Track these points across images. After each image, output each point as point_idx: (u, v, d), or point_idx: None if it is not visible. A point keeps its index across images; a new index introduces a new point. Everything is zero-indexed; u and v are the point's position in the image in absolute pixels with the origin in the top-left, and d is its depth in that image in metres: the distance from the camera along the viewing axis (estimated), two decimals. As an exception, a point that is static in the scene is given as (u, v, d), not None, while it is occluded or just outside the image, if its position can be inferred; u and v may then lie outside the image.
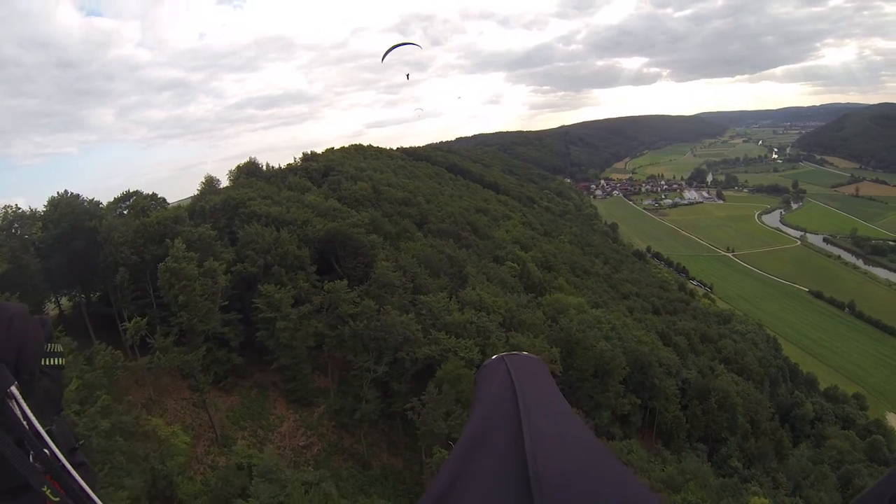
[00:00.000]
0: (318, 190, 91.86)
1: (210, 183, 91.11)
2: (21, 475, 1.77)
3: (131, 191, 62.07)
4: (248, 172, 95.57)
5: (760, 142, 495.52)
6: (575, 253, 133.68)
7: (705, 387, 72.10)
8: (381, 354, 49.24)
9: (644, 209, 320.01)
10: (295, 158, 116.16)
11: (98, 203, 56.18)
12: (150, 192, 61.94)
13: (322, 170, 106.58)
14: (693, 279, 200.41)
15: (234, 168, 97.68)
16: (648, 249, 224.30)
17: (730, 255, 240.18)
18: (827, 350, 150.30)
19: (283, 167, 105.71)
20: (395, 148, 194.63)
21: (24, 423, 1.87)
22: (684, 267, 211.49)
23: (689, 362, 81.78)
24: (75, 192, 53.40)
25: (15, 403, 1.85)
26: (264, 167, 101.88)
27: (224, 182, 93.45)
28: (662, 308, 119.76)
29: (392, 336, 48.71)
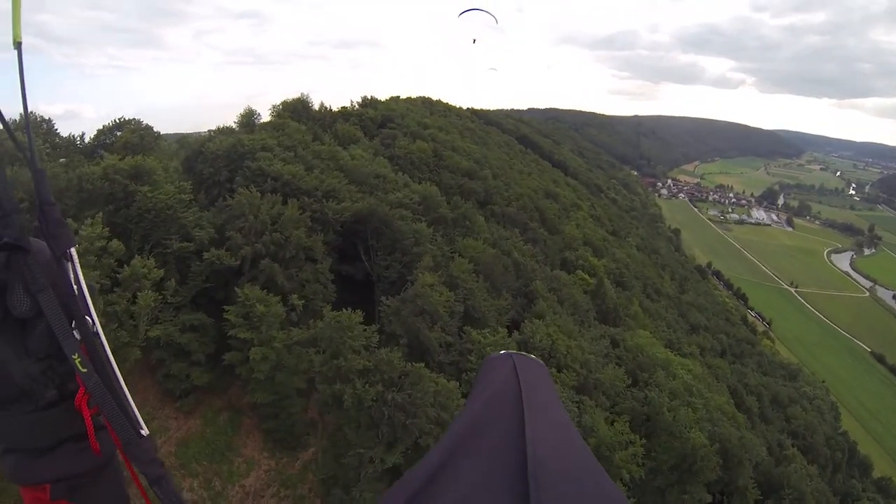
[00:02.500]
0: (367, 143, 74.84)
1: (249, 117, 75.56)
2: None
3: (126, 118, 51.99)
4: (294, 110, 78.57)
5: (839, 173, 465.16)
6: (645, 264, 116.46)
7: (778, 478, 57.54)
8: (395, 441, 31.22)
9: (709, 219, 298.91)
10: (352, 102, 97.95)
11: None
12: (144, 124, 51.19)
13: (379, 119, 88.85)
14: (752, 309, 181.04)
15: (278, 103, 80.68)
16: (709, 265, 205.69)
17: (792, 290, 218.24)
18: (882, 427, 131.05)
19: (333, 110, 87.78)
20: (465, 108, 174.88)
21: (75, 286, 1.87)
22: (745, 293, 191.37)
23: (759, 430, 67.72)
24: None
25: (70, 266, 1.87)
26: (317, 107, 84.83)
27: (266, 117, 76.87)
28: (729, 348, 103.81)
29: (418, 418, 30.96)
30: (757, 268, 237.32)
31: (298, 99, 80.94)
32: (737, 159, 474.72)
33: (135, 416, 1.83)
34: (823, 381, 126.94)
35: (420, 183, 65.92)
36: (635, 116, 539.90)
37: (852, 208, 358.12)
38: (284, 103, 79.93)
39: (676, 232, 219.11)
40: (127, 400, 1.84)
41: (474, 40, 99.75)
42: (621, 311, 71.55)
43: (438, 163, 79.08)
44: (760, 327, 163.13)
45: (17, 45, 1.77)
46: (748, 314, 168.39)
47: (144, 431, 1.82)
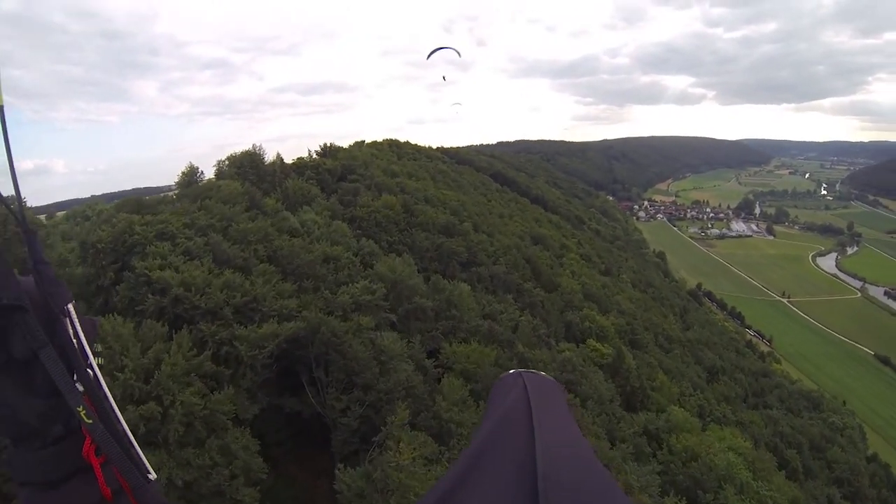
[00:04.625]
0: (323, 202, 60.66)
1: (191, 175, 61.67)
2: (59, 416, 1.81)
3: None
4: (241, 166, 64.25)
5: (808, 175, 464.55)
6: (647, 305, 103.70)
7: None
8: None
9: (690, 237, 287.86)
10: (310, 152, 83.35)
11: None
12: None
13: (339, 171, 74.31)
14: (750, 328, 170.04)
15: (227, 157, 66.61)
16: (699, 287, 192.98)
17: (785, 300, 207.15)
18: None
19: (286, 163, 73.15)
20: (435, 147, 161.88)
21: (75, 340, 1.88)
22: (739, 312, 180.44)
23: (808, 489, 58.67)
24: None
25: (69, 321, 1.88)
26: (271, 158, 70.71)
27: (209, 174, 63.76)
28: (749, 388, 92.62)
29: None
30: (746, 282, 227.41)
31: (247, 152, 66.71)
32: (707, 173, 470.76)
33: (141, 461, 1.87)
34: (845, 403, 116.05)
35: (388, 254, 52.00)
36: (604, 141, 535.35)
37: (827, 208, 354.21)
38: (230, 158, 65.88)
39: (662, 255, 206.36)
40: (133, 446, 1.88)
41: (444, 77, 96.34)
42: (646, 384, 57.54)
43: (410, 220, 64.99)
44: (763, 346, 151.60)
45: None
46: (747, 333, 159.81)
47: (152, 476, 1.86)
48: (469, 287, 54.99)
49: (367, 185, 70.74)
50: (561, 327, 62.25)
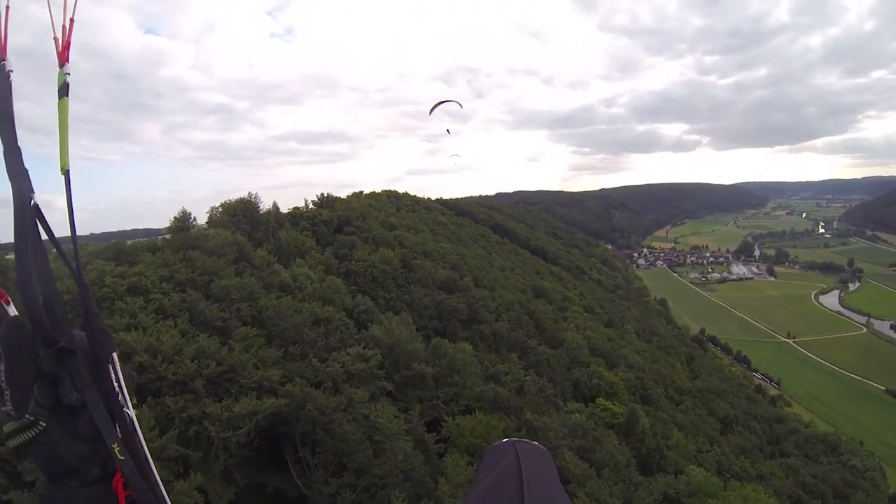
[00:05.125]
0: (317, 255, 57.69)
1: (183, 221, 58.84)
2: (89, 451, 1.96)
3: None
4: (233, 214, 61.51)
5: (805, 214, 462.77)
6: (654, 354, 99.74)
7: None
8: None
9: (690, 283, 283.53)
10: (306, 202, 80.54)
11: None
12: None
13: (335, 223, 71.43)
14: (757, 371, 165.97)
15: (220, 203, 64.00)
16: (703, 332, 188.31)
17: (790, 341, 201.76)
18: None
19: (281, 213, 70.37)
20: (434, 199, 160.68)
21: (116, 385, 2.07)
22: (745, 355, 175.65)
23: None
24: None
25: (112, 368, 2.07)
26: (268, 207, 68.02)
27: (202, 219, 60.84)
28: (764, 436, 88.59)
29: None
30: (750, 325, 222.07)
31: (241, 200, 64.04)
32: (705, 218, 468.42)
33: (164, 498, 2.05)
34: (862, 443, 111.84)
35: (385, 312, 48.85)
36: (602, 190, 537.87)
37: (826, 246, 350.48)
38: (224, 205, 63.20)
39: (663, 302, 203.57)
40: (158, 485, 2.05)
41: (448, 130, 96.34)
42: (661, 444, 53.75)
43: (408, 275, 61.87)
44: (772, 390, 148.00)
45: (66, 172, 1.93)
46: (755, 377, 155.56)
47: None
48: (471, 347, 51.80)
49: (363, 237, 67.98)
50: (568, 386, 58.71)
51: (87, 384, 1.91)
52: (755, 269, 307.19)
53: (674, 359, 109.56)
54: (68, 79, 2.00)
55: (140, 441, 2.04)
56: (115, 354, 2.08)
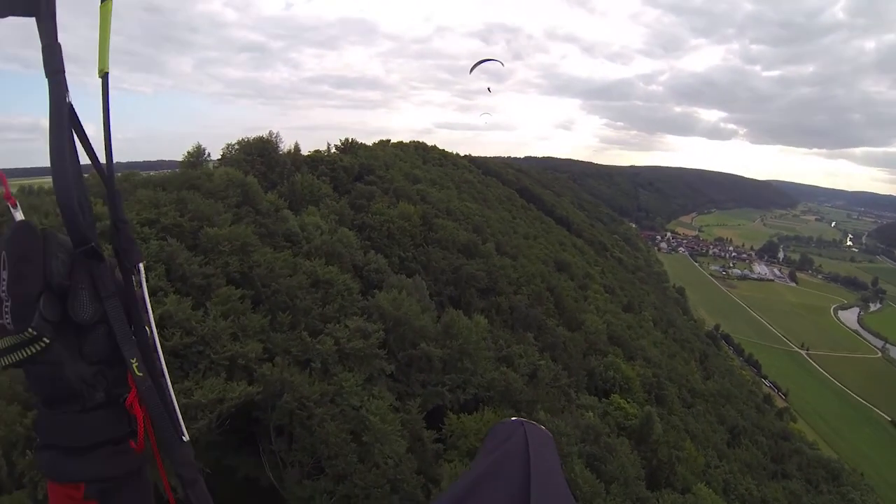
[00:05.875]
0: (331, 203, 52.98)
1: (197, 156, 54.82)
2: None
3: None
4: (248, 153, 57.06)
5: (834, 223, 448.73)
6: (670, 348, 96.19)
7: None
8: None
9: (711, 275, 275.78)
10: (328, 146, 75.34)
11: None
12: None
13: (356, 170, 66.43)
14: (766, 378, 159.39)
15: (237, 140, 60.12)
16: (717, 329, 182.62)
17: (803, 352, 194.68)
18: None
19: (300, 154, 65.59)
20: (462, 155, 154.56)
21: (142, 300, 1.96)
22: (757, 360, 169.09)
23: None
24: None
25: (136, 280, 1.95)
26: (288, 148, 63.87)
27: (215, 156, 58.63)
28: (769, 452, 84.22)
29: None
30: (765, 329, 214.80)
31: (260, 138, 59.67)
32: (733, 210, 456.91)
33: (178, 422, 1.91)
34: (862, 475, 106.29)
35: (398, 273, 44.29)
36: (632, 167, 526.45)
37: (853, 260, 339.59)
38: (241, 142, 58.91)
39: (681, 291, 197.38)
40: (174, 407, 1.93)
41: (489, 89, 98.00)
42: (673, 456, 49.47)
43: (427, 235, 56.97)
44: (779, 401, 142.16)
45: (104, 76, 1.85)
46: (763, 384, 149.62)
47: (185, 438, 1.92)
48: (486, 321, 47.24)
49: (384, 188, 63.11)
50: (583, 376, 54.37)
51: (110, 293, 1.74)
52: (777, 272, 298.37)
53: (689, 354, 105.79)
54: None
55: (160, 358, 1.91)
56: (141, 264, 1.93)
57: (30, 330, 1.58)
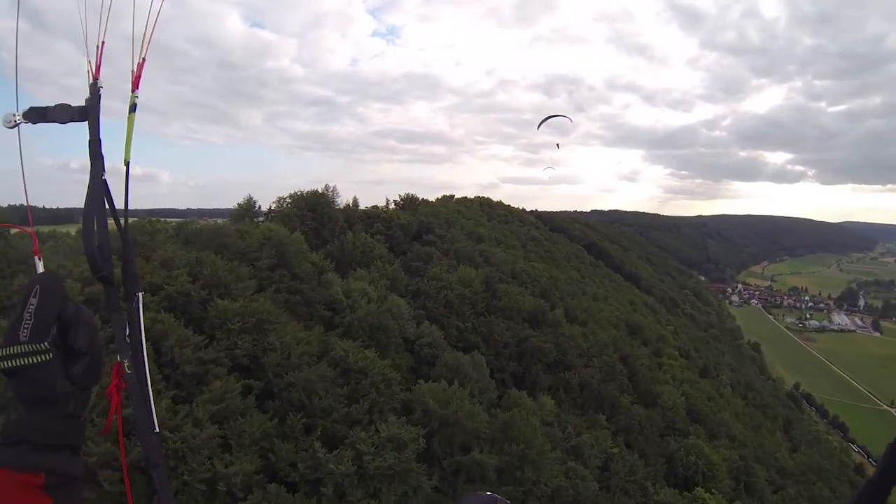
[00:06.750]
0: (382, 266, 47.30)
1: (248, 209, 52.75)
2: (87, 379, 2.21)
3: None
4: (299, 207, 52.59)
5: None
6: (753, 417, 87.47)
7: None
8: None
9: (786, 328, 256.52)
10: (387, 201, 70.76)
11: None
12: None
13: (415, 227, 61.03)
14: (853, 442, 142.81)
15: (292, 194, 55.88)
16: (797, 388, 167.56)
17: (893, 411, 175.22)
18: None
19: (355, 209, 60.85)
20: (528, 210, 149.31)
21: (138, 318, 2.50)
22: (843, 422, 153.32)
23: None
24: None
25: (135, 305, 2.52)
26: (346, 203, 60.04)
27: (258, 204, 55.46)
28: None
29: None
30: (849, 386, 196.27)
31: (315, 192, 55.44)
32: (806, 257, 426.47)
33: (153, 416, 2.37)
34: None
35: (454, 347, 38.19)
36: (698, 216, 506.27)
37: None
38: (293, 196, 54.66)
39: (756, 347, 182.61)
40: (150, 404, 2.39)
41: (558, 145, 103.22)
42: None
43: (489, 302, 50.60)
44: (870, 470, 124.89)
45: (126, 164, 2.47)
46: (851, 449, 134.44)
47: (156, 430, 2.40)
48: (553, 402, 40.32)
49: (444, 249, 57.59)
50: (661, 463, 46.51)
51: (115, 309, 2.35)
52: (859, 321, 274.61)
53: (772, 424, 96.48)
54: (136, 100, 2.55)
55: (145, 365, 2.40)
56: (140, 294, 2.51)
57: (43, 344, 2.03)
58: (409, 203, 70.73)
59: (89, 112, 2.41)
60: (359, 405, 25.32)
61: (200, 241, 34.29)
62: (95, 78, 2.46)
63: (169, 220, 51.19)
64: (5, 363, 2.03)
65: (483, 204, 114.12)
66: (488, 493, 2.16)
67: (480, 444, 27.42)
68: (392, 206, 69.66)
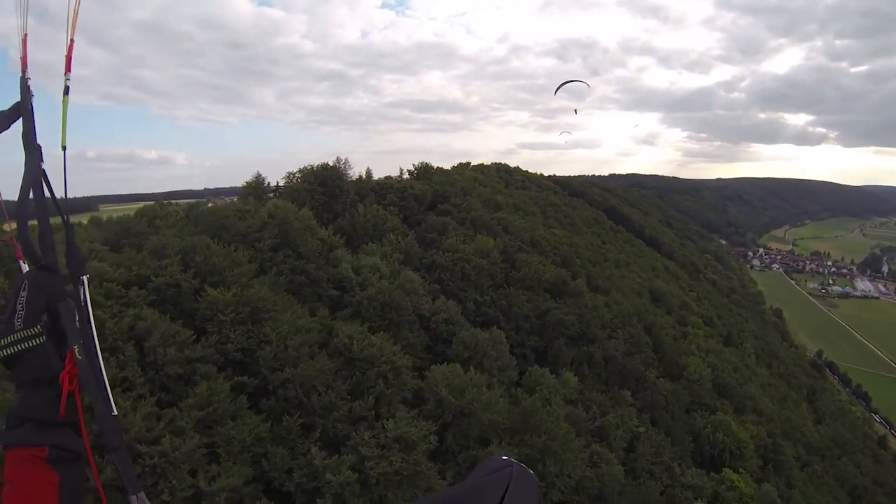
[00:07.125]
0: (395, 240, 44.69)
1: (257, 187, 51.56)
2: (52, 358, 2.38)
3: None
4: (309, 181, 49.86)
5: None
6: (780, 391, 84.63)
7: None
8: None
9: (809, 294, 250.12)
10: (400, 171, 67.95)
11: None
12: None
13: (429, 197, 58.20)
14: (876, 412, 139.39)
15: (301, 168, 53.57)
16: (820, 355, 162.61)
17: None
18: None
19: (366, 180, 58.25)
20: (546, 175, 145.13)
21: (84, 303, 2.60)
22: (865, 391, 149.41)
23: None
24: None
25: (83, 289, 2.62)
26: (360, 175, 58.57)
27: (274, 180, 54.07)
28: None
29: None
30: (873, 354, 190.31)
31: (325, 166, 52.77)
32: (828, 221, 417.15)
33: (109, 399, 2.42)
34: None
35: (472, 322, 35.79)
36: (718, 180, 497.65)
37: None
38: (303, 170, 52.52)
39: (779, 313, 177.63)
40: (106, 388, 2.45)
41: (575, 111, 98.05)
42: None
43: (508, 273, 47.93)
44: (893, 442, 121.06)
45: (63, 148, 2.62)
46: (874, 420, 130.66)
47: (114, 412, 2.43)
48: (576, 379, 37.83)
49: (460, 219, 54.81)
50: (688, 441, 44.00)
51: (63, 297, 2.45)
52: (882, 288, 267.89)
53: (797, 394, 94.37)
54: (69, 83, 2.63)
55: (96, 348, 2.49)
56: (85, 277, 2.64)
57: (35, 328, 2.28)
58: (424, 172, 67.82)
59: (21, 106, 2.49)
60: (364, 400, 22.99)
61: (201, 225, 32.03)
62: (23, 71, 2.54)
63: (181, 201, 49.47)
64: (4, 351, 2.23)
65: (500, 170, 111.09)
66: (504, 458, 1.99)
67: (499, 436, 25.12)
68: (406, 175, 66.99)
